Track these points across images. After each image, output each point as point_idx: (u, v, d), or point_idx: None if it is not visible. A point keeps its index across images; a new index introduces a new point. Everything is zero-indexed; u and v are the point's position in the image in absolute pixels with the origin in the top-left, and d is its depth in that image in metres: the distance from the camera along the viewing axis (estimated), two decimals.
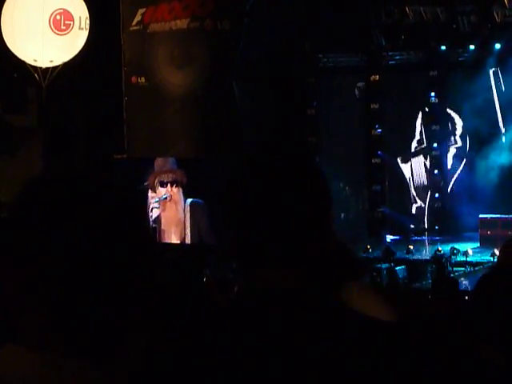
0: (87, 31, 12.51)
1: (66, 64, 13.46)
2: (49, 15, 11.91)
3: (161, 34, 16.11)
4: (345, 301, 1.68)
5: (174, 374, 1.64)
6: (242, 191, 1.64)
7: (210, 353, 1.61)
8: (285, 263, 1.62)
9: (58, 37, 12.07)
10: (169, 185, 14.75)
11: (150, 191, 14.82)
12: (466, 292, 7.84)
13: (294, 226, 1.61)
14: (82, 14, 12.39)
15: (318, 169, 1.68)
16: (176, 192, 14.76)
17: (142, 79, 16.39)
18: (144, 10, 16.21)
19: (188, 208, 14.73)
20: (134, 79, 16.49)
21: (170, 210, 14.78)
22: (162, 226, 14.81)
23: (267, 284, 1.61)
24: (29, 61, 12.21)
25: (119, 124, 16.65)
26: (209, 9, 15.54)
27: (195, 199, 14.69)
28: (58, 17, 11.99)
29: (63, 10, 12.07)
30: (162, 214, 14.76)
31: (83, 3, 12.52)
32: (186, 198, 14.82)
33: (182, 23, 15.86)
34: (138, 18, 16.29)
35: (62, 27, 12.06)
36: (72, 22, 12.15)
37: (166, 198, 14.66)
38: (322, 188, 1.66)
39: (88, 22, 12.47)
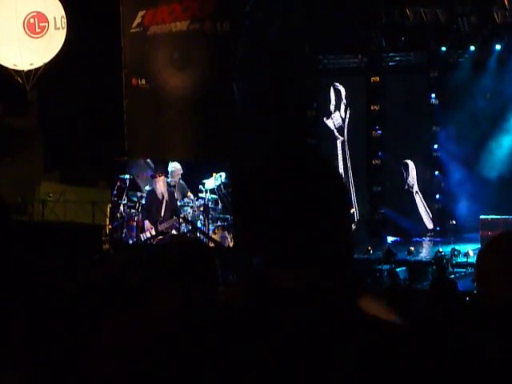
0: (65, 29, 12.34)
1: (66, 67, 13.46)
2: (22, 20, 11.76)
3: (161, 36, 16.12)
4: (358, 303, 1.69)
5: (190, 373, 1.65)
6: (261, 193, 1.66)
7: (224, 353, 1.62)
8: (300, 264, 1.63)
9: (35, 40, 11.92)
10: None
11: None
12: (465, 293, 7.84)
13: (310, 228, 1.62)
14: (56, 14, 12.25)
15: (337, 173, 1.69)
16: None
17: (143, 81, 16.41)
18: (144, 12, 16.22)
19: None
20: (134, 81, 16.51)
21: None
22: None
23: (281, 283, 1.63)
24: (9, 66, 12.14)
25: (119, 126, 16.66)
26: (209, 11, 15.56)
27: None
28: (32, 20, 11.84)
29: (36, 12, 11.93)
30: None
31: (58, 2, 12.37)
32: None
33: (181, 25, 15.88)
34: (138, 20, 16.31)
35: (37, 30, 11.92)
36: (47, 24, 12.00)
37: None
38: (340, 191, 1.67)
39: (64, 20, 12.30)
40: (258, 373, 1.58)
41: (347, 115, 17.17)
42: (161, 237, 15.04)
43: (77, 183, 17.33)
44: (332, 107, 17.26)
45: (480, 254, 2.75)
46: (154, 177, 15.20)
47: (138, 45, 16.42)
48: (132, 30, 16.39)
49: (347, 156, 17.22)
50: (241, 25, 15.45)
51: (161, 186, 15.15)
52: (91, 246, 14.30)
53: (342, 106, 17.20)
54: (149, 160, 15.54)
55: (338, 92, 17.23)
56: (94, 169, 17.66)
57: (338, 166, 16.68)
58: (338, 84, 17.17)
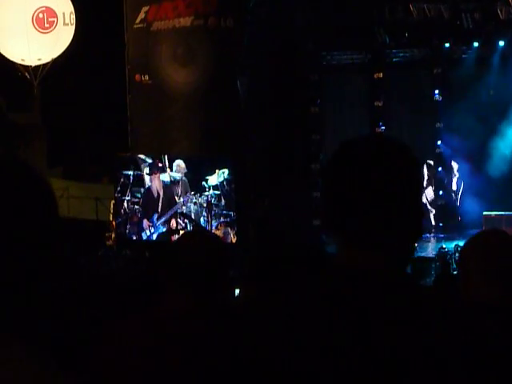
0: (73, 26, 12.33)
1: (69, 62, 13.46)
2: (31, 14, 11.75)
3: (164, 31, 16.11)
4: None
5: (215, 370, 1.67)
6: (345, 176, 1.70)
7: (302, 331, 1.64)
8: (376, 246, 1.68)
9: (43, 35, 11.90)
10: None
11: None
12: None
13: (390, 213, 1.67)
14: (65, 9, 12.24)
15: (416, 160, 1.74)
16: None
17: (146, 77, 16.40)
18: (147, 7, 16.22)
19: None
20: (137, 77, 16.50)
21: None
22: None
23: (358, 265, 1.67)
24: (17, 60, 12.13)
25: (123, 122, 16.66)
26: (212, 6, 15.54)
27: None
28: (41, 15, 11.83)
29: (45, 7, 11.92)
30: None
31: None
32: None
33: (185, 21, 15.87)
34: (141, 15, 16.30)
35: (46, 25, 11.91)
36: (56, 19, 12.00)
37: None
38: (417, 178, 1.74)
39: (73, 16, 12.29)
40: (338, 353, 1.59)
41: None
42: (163, 232, 15.08)
43: (80, 179, 17.34)
44: (425, 183, 17.32)
45: (461, 253, 2.73)
46: (150, 174, 15.20)
47: (141, 40, 16.41)
48: (135, 26, 16.39)
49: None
50: (244, 20, 15.44)
51: (156, 183, 15.16)
52: (95, 242, 14.31)
53: (433, 181, 17.38)
54: (143, 156, 15.50)
55: (430, 167, 17.33)
56: (97, 165, 17.66)
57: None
58: (430, 161, 17.21)
